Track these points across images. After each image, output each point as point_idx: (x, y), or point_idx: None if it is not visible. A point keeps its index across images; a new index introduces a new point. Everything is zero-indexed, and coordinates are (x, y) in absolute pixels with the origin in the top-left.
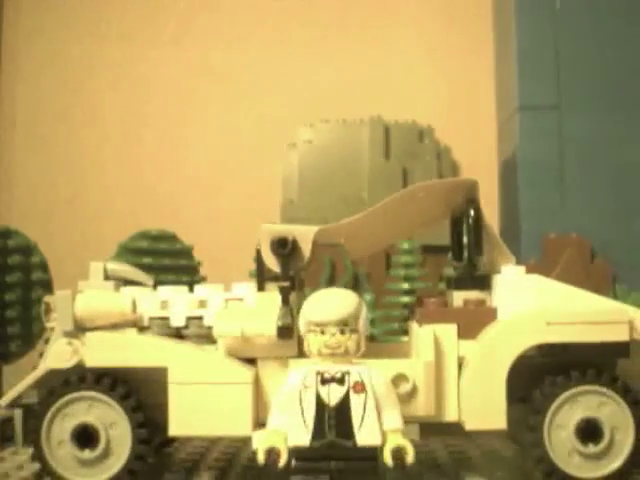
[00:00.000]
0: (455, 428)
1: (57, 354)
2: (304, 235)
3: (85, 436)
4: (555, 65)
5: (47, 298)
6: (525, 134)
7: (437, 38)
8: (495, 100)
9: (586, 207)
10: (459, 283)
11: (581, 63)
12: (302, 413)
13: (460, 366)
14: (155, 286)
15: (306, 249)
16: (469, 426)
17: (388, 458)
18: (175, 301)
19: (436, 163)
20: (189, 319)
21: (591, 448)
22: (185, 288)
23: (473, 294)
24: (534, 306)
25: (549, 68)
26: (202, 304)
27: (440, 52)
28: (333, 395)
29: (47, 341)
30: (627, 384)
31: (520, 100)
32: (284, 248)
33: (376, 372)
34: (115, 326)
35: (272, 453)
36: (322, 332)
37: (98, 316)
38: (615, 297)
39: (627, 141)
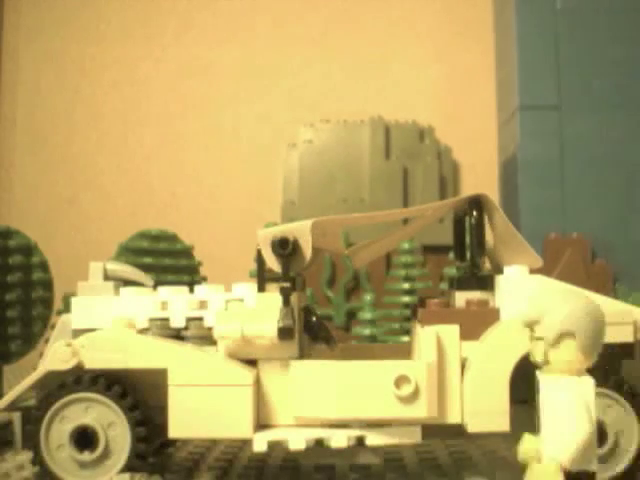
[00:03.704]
0: (456, 429)
1: (56, 356)
2: (302, 232)
3: (84, 438)
4: (555, 65)
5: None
6: (525, 134)
7: (437, 38)
8: (495, 100)
9: (586, 207)
10: (462, 283)
11: (581, 63)
12: None
13: (463, 367)
14: (155, 286)
15: (307, 248)
16: (472, 428)
17: None
18: (175, 302)
19: (437, 163)
20: (189, 320)
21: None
22: (185, 288)
23: (476, 294)
24: None
25: (549, 68)
26: (202, 305)
27: (440, 52)
28: None
29: (48, 341)
30: (634, 388)
31: (520, 100)
32: (285, 249)
33: (552, 391)
34: None
35: None
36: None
37: None
38: (616, 297)
39: (627, 141)
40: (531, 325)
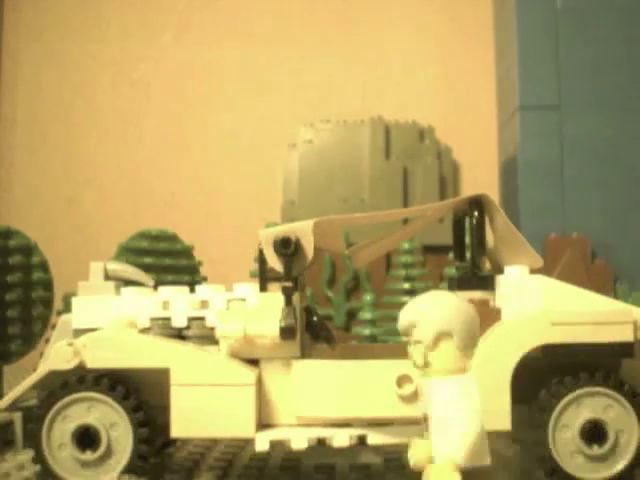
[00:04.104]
0: None
1: (58, 355)
2: (304, 231)
3: (86, 437)
4: (555, 65)
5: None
6: (525, 134)
7: (437, 38)
8: (495, 100)
9: (586, 207)
10: (462, 283)
11: (581, 63)
12: None
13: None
14: (156, 286)
15: (308, 247)
16: None
17: None
18: (177, 301)
19: (437, 163)
20: (191, 320)
21: (595, 450)
22: (186, 288)
23: (476, 294)
24: (538, 306)
25: (549, 68)
26: (204, 304)
27: (440, 52)
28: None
29: (48, 341)
30: (635, 388)
31: (520, 100)
32: (287, 248)
33: (438, 392)
34: None
35: None
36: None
37: None
38: (616, 297)
39: (627, 141)
40: (408, 330)
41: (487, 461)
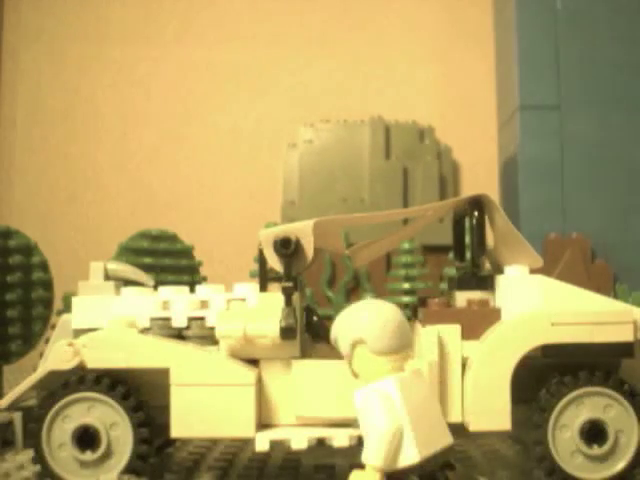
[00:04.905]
0: (456, 428)
1: (58, 356)
2: (304, 232)
3: (86, 437)
4: (555, 65)
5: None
6: (525, 134)
7: (437, 38)
8: (495, 100)
9: (586, 207)
10: (462, 283)
11: (581, 63)
12: None
13: (464, 367)
14: (156, 286)
15: (309, 248)
16: (473, 427)
17: None
18: (176, 301)
19: (437, 163)
20: (191, 320)
21: (594, 450)
22: (186, 288)
23: (476, 294)
24: (538, 306)
25: (549, 68)
26: (204, 304)
27: (440, 52)
28: None
29: (48, 341)
30: (635, 388)
31: (520, 100)
32: (287, 248)
33: (355, 403)
34: None
35: None
36: None
37: None
38: (616, 297)
39: (627, 141)
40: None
41: (415, 459)
